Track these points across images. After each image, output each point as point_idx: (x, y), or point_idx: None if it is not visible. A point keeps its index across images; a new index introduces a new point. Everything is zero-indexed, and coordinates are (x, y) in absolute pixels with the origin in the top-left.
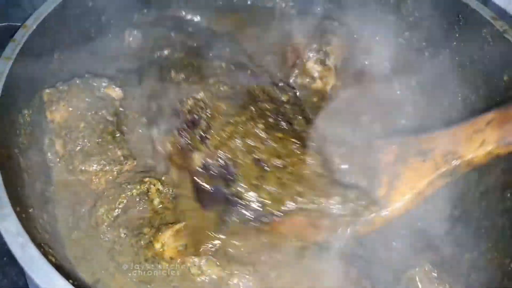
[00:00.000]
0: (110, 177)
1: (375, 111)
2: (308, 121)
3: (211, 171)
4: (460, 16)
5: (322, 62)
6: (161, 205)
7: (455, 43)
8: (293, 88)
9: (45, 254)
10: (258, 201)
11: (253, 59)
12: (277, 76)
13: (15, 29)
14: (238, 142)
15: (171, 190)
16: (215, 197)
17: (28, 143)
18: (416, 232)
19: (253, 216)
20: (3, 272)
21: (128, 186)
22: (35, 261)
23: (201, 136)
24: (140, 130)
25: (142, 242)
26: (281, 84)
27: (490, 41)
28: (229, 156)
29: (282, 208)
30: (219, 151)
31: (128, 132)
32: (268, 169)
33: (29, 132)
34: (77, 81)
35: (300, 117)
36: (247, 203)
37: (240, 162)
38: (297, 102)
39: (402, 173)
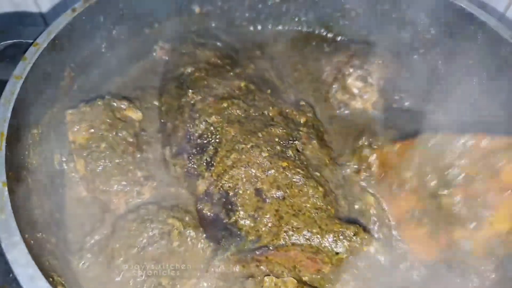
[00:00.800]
0: (130, 199)
1: None
2: (322, 146)
3: (213, 199)
4: (477, 34)
5: (364, 79)
6: (179, 248)
7: (471, 62)
8: (313, 107)
9: (54, 285)
10: (255, 233)
11: (281, 74)
12: (302, 93)
13: (27, 46)
14: (240, 171)
15: (192, 233)
16: (216, 224)
17: (37, 163)
18: None
19: (249, 247)
20: None
21: (151, 225)
22: None
23: (207, 162)
24: (158, 148)
25: None
26: (302, 103)
27: (508, 61)
28: (230, 185)
29: (277, 242)
30: (222, 179)
31: (148, 152)
32: (267, 200)
33: (39, 152)
34: (99, 103)
35: (314, 141)
36: (244, 233)
37: (241, 192)
38: (314, 123)
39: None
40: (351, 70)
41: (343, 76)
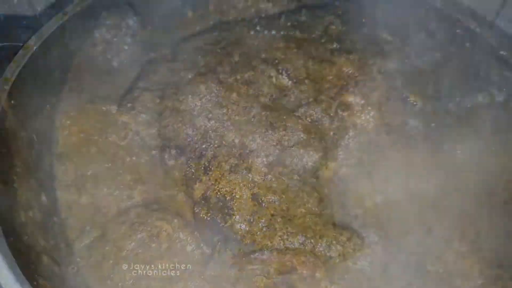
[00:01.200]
0: (120, 202)
1: None
2: (319, 152)
3: (210, 203)
4: (465, 42)
5: (366, 97)
6: (169, 250)
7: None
8: (311, 114)
9: None
10: (250, 237)
11: (280, 78)
12: (302, 98)
13: (17, 49)
14: (238, 176)
15: (182, 235)
16: (212, 228)
17: (26, 166)
18: None
19: (244, 251)
20: None
21: (139, 228)
22: None
23: (205, 167)
24: (153, 152)
25: None
26: (301, 109)
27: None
28: (227, 189)
29: (272, 246)
30: (219, 184)
31: (139, 156)
32: (263, 204)
33: (27, 155)
34: (89, 106)
35: (312, 147)
36: (240, 237)
37: (237, 196)
38: (312, 130)
39: None
40: (356, 87)
41: (347, 92)
